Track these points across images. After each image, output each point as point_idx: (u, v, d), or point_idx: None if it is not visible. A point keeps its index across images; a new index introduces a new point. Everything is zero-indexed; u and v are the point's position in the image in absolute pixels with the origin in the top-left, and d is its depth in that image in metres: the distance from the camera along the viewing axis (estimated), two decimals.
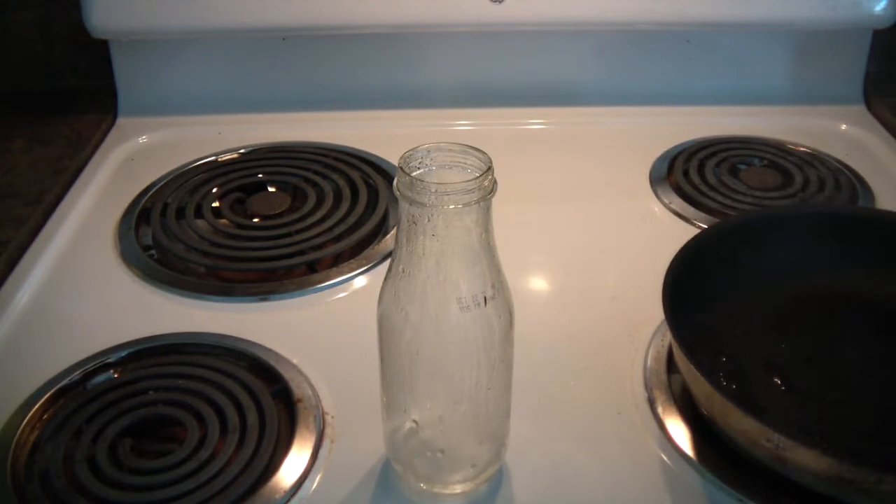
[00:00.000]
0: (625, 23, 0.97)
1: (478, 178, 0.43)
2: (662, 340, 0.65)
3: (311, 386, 0.61)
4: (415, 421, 0.53)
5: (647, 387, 0.61)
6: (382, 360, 0.51)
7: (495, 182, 0.44)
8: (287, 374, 0.62)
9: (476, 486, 0.54)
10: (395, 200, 0.45)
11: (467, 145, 0.45)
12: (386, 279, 0.48)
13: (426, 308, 0.47)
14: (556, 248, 0.79)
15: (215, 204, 0.83)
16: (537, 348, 0.65)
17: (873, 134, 0.98)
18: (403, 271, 0.46)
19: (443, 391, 0.51)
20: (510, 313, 0.49)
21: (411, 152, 0.45)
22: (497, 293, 0.47)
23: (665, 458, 0.56)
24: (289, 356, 0.64)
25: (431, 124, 0.99)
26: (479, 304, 0.47)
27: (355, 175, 0.87)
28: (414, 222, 0.44)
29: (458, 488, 0.54)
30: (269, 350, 0.64)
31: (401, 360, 0.50)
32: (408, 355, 0.49)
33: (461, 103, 1.01)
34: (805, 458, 0.48)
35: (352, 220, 0.80)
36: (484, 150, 0.45)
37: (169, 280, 0.73)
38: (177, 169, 0.91)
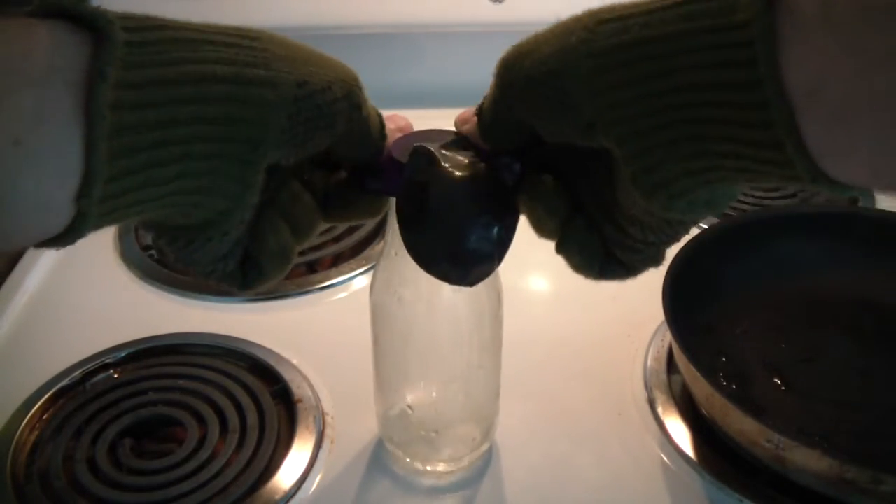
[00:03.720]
0: None
1: None
2: (662, 340, 0.65)
3: (311, 386, 0.61)
4: (409, 406, 0.54)
5: (647, 387, 0.61)
6: (376, 344, 0.52)
7: None
8: (287, 375, 0.62)
9: (469, 462, 0.55)
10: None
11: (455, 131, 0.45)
12: (378, 265, 0.49)
13: (420, 290, 0.48)
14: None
15: None
16: (537, 348, 0.65)
17: None
18: (396, 255, 0.47)
19: (436, 371, 0.52)
20: (499, 293, 0.50)
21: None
22: None
23: (665, 458, 0.56)
24: (289, 356, 0.64)
25: (431, 125, 0.98)
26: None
27: None
28: None
29: (450, 466, 0.54)
30: (269, 350, 0.64)
31: (395, 343, 0.51)
32: (401, 338, 0.50)
33: (461, 103, 1.01)
34: (805, 459, 0.48)
35: None
36: None
37: (169, 280, 0.73)
38: None
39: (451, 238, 0.39)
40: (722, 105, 0.30)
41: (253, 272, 0.38)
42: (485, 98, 0.40)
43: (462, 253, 0.39)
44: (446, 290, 0.48)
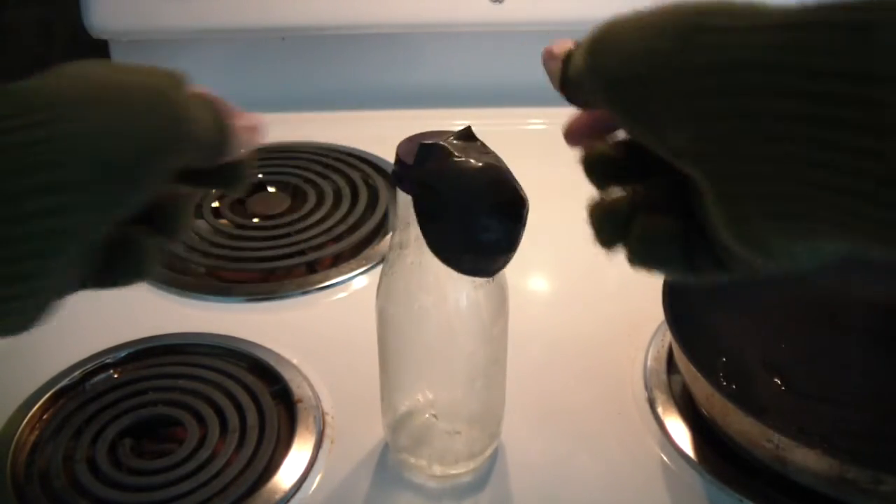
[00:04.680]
0: None
1: None
2: (662, 340, 0.65)
3: (311, 386, 0.61)
4: (433, 410, 0.53)
5: (647, 387, 0.61)
6: (388, 353, 0.51)
7: None
8: (287, 375, 0.62)
9: (483, 460, 0.55)
10: (396, 201, 0.45)
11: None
12: (387, 273, 0.49)
13: (444, 294, 0.48)
14: (555, 248, 0.79)
15: (215, 204, 0.83)
16: (537, 348, 0.65)
17: None
18: (413, 263, 0.46)
19: (462, 371, 0.52)
20: (503, 285, 0.50)
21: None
22: None
23: (665, 458, 0.56)
24: (289, 356, 0.64)
25: (431, 124, 0.98)
26: (489, 280, 0.48)
27: (355, 175, 0.87)
28: None
29: (470, 464, 0.54)
30: (269, 350, 0.64)
31: (415, 350, 0.50)
32: (423, 344, 0.50)
33: (461, 103, 1.01)
34: (805, 459, 0.48)
35: (352, 220, 0.80)
36: None
37: (169, 280, 0.73)
38: None
39: (472, 229, 0.39)
40: (829, 149, 0.26)
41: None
42: (578, 51, 0.36)
43: (484, 243, 0.39)
44: (468, 289, 0.48)
